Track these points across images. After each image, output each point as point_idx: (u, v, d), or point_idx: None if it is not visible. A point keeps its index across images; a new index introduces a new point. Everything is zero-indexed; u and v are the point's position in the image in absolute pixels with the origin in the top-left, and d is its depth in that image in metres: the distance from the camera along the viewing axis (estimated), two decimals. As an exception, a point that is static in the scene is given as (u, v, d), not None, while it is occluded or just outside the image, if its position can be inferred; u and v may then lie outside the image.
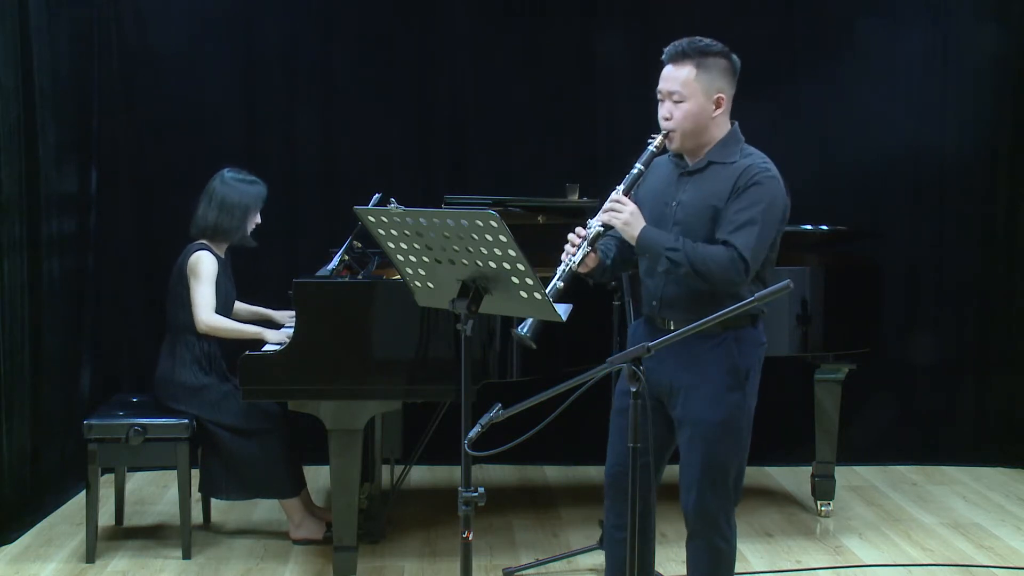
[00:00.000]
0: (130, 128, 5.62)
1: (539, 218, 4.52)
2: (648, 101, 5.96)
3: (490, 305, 2.92)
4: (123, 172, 5.63)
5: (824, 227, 5.01)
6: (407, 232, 2.90)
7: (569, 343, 4.18)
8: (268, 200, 5.61)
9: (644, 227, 3.19)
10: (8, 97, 4.64)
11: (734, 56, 3.31)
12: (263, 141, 5.70)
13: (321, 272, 4.37)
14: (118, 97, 5.60)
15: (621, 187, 3.22)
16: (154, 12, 5.60)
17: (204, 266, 4.41)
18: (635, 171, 3.22)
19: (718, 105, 3.26)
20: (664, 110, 3.25)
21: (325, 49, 5.71)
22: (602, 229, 3.20)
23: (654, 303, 3.30)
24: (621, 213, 3.18)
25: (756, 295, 2.61)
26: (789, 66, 5.78)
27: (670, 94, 3.23)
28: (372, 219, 2.94)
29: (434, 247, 2.88)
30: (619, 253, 3.37)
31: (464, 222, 2.74)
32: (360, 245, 4.51)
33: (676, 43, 3.26)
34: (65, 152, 5.21)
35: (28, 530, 4.74)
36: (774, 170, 3.27)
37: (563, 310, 3.00)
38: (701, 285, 3.16)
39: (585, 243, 3.16)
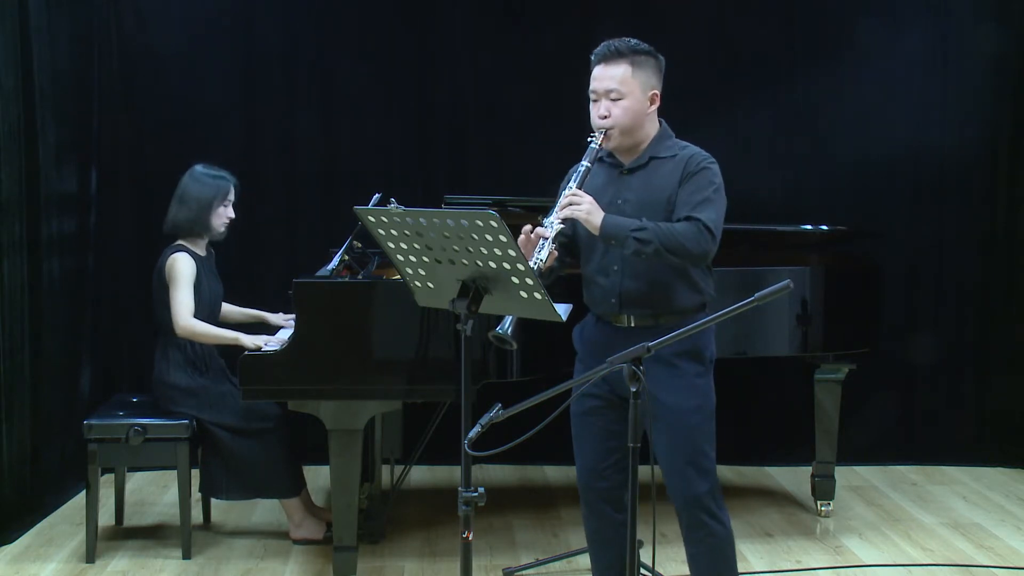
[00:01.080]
0: (130, 128, 5.62)
1: (539, 218, 4.51)
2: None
3: (490, 305, 2.92)
4: (123, 172, 5.63)
5: (824, 227, 5.01)
6: (407, 232, 2.90)
7: (569, 343, 4.17)
8: (268, 200, 5.64)
9: (605, 215, 3.22)
10: (8, 97, 4.64)
11: (660, 56, 3.37)
12: (263, 141, 5.70)
13: (321, 272, 4.36)
14: (118, 97, 5.60)
15: (573, 184, 3.25)
16: (154, 12, 5.61)
17: (179, 268, 4.39)
18: (583, 168, 3.26)
19: (653, 102, 3.33)
20: (601, 109, 3.30)
21: (325, 49, 5.71)
22: (563, 226, 3.22)
23: (612, 300, 3.33)
24: (581, 205, 3.21)
25: (756, 295, 2.61)
26: (789, 66, 5.78)
27: (607, 92, 3.29)
28: (372, 219, 2.94)
29: (434, 247, 2.88)
30: (560, 255, 3.38)
31: (464, 222, 2.74)
32: (360, 245, 4.51)
33: (607, 43, 3.33)
34: (65, 152, 5.21)
35: (28, 530, 4.74)
36: (714, 159, 3.35)
37: (563, 310, 3.00)
38: (671, 262, 3.19)
39: (548, 241, 3.17)
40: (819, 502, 5.02)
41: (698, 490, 3.30)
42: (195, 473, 4.55)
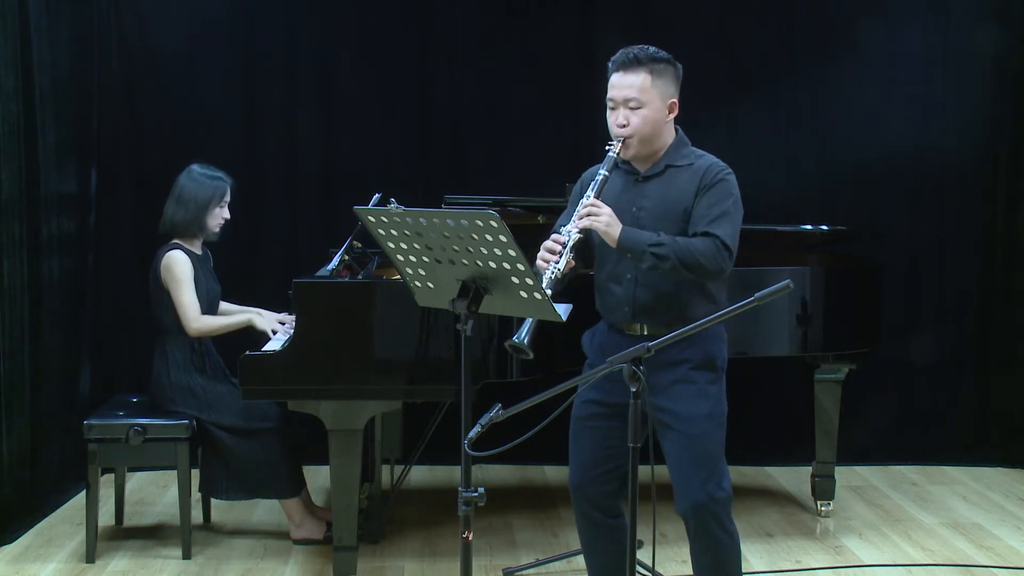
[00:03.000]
0: (130, 128, 5.62)
1: (539, 218, 4.52)
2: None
3: (490, 305, 2.92)
4: (123, 172, 5.63)
5: (824, 227, 5.01)
6: (407, 232, 2.90)
7: (569, 343, 4.17)
8: (268, 200, 5.63)
9: (623, 227, 3.21)
10: (8, 97, 4.64)
11: (678, 64, 3.35)
12: (263, 141, 5.70)
13: (321, 272, 4.37)
14: (118, 97, 5.60)
15: (591, 193, 3.24)
16: (154, 12, 5.60)
17: (178, 268, 4.39)
18: (600, 177, 3.25)
19: (671, 110, 3.31)
20: (620, 117, 3.27)
21: (325, 49, 5.71)
22: (580, 235, 3.20)
23: (625, 309, 3.32)
24: (600, 216, 3.20)
25: (756, 295, 2.61)
26: (789, 66, 5.79)
27: (626, 101, 3.26)
28: (372, 219, 2.94)
29: (434, 247, 2.88)
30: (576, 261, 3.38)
31: (464, 222, 2.74)
32: (360, 245, 4.51)
33: (625, 51, 3.30)
34: (65, 152, 5.21)
35: (28, 530, 4.74)
36: (731, 170, 3.34)
37: (563, 310, 3.01)
38: (686, 277, 3.19)
39: (567, 249, 3.16)
40: (819, 502, 5.02)
41: (706, 498, 3.27)
42: (195, 473, 4.55)
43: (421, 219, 2.84)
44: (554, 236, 3.21)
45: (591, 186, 3.26)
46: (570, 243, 3.17)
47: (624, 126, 3.25)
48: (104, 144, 5.59)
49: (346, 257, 4.44)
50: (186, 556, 4.41)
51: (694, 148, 3.37)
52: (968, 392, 5.92)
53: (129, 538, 4.66)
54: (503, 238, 2.72)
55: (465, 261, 2.84)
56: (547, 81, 5.74)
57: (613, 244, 3.21)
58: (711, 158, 3.34)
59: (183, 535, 4.42)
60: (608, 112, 3.31)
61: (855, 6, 5.76)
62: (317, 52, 5.71)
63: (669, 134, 3.34)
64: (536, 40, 5.74)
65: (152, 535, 4.71)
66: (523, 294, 2.84)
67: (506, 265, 2.78)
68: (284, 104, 5.72)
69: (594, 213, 3.20)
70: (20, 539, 4.65)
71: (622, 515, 3.42)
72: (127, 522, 4.82)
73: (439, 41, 5.74)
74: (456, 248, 2.82)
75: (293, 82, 5.72)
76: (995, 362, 5.88)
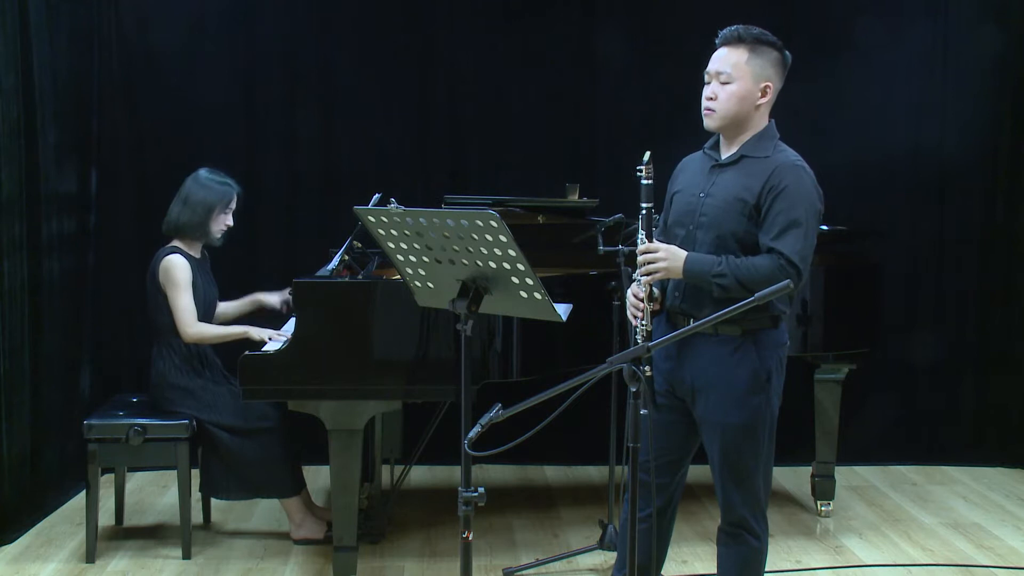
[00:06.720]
0: (130, 128, 5.62)
1: (539, 218, 4.52)
2: (648, 100, 5.97)
3: (490, 305, 2.92)
4: (123, 172, 5.63)
5: (824, 227, 4.99)
6: (407, 232, 2.90)
7: (569, 343, 4.17)
8: (268, 200, 5.64)
9: (685, 261, 3.16)
10: (8, 97, 4.63)
11: (787, 52, 3.32)
12: (263, 141, 5.70)
13: (321, 272, 4.37)
14: (118, 97, 5.60)
15: (642, 235, 3.21)
16: (154, 12, 5.60)
17: (177, 273, 4.39)
18: (643, 212, 3.21)
19: (763, 94, 3.26)
20: (708, 90, 3.24)
21: (325, 49, 5.71)
22: (656, 291, 3.21)
23: (676, 293, 3.29)
24: (658, 262, 3.17)
25: (756, 295, 2.61)
26: (789, 66, 5.77)
27: (718, 74, 3.23)
28: (372, 219, 2.95)
29: (434, 247, 2.88)
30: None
31: (464, 222, 2.74)
32: (360, 245, 4.51)
33: (732, 27, 3.27)
34: (65, 152, 5.21)
35: (28, 530, 4.74)
36: (806, 166, 3.26)
37: (563, 310, 3.00)
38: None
39: (647, 303, 3.18)
40: (819, 502, 5.02)
41: (734, 504, 3.26)
42: (195, 473, 4.55)
43: (421, 219, 2.84)
44: (633, 290, 3.21)
45: (640, 228, 3.21)
46: (646, 295, 3.18)
47: (711, 99, 3.23)
48: (104, 144, 5.59)
49: (346, 257, 4.44)
50: (186, 556, 4.41)
51: (780, 143, 3.29)
52: (968, 392, 5.92)
53: (129, 538, 4.66)
54: (503, 238, 2.72)
55: (465, 261, 2.84)
56: (547, 81, 5.73)
57: (680, 277, 3.18)
58: (788, 155, 3.24)
59: (183, 535, 4.42)
60: (704, 87, 3.27)
61: (855, 6, 5.76)
62: (317, 52, 5.71)
63: (758, 121, 3.28)
64: (536, 40, 5.74)
65: (152, 535, 4.71)
66: (523, 294, 2.84)
67: (506, 265, 2.78)
68: (284, 104, 5.72)
69: (652, 260, 3.17)
70: (20, 539, 4.65)
71: (673, 506, 3.43)
72: (127, 522, 4.82)
73: (439, 41, 5.73)
74: (456, 248, 2.82)
75: (293, 82, 5.72)
76: (995, 362, 5.88)
